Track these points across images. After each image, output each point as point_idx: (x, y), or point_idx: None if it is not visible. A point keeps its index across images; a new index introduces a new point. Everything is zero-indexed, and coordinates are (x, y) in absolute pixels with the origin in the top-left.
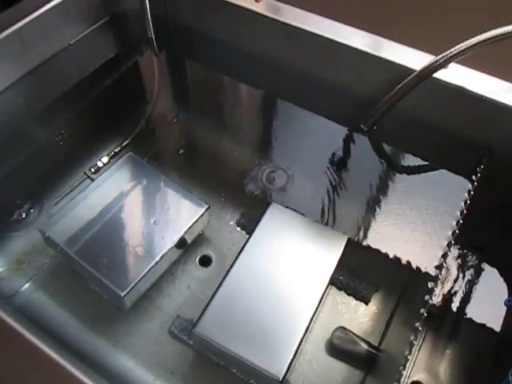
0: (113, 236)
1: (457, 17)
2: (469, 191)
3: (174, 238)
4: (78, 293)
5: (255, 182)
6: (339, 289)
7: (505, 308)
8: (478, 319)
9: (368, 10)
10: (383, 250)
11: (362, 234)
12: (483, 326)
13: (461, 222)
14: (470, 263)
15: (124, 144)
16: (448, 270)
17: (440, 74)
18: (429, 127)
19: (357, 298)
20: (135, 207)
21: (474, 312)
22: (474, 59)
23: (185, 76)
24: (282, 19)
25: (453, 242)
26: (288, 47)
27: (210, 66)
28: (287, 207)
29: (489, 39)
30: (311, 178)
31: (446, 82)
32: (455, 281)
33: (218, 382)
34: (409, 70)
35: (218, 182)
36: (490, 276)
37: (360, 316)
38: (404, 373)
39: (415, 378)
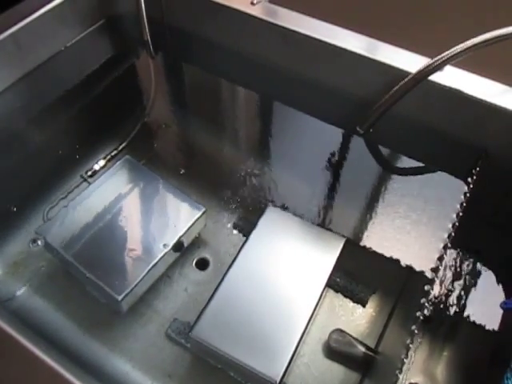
0: (110, 239)
1: (452, 20)
2: (465, 193)
3: (171, 241)
4: (75, 296)
5: (252, 184)
6: (336, 291)
7: (501, 310)
8: (474, 321)
9: (364, 13)
10: (380, 252)
11: (358, 236)
12: (480, 328)
13: (457, 224)
14: (467, 265)
15: (121, 147)
16: (444, 272)
17: (435, 77)
18: (425, 129)
19: (354, 301)
20: (132, 210)
21: (470, 314)
22: (470, 62)
23: (181, 79)
24: (278, 22)
25: (449, 244)
26: (284, 50)
27: (207, 69)
28: (284, 209)
29: (484, 42)
30: (308, 180)
31: (441, 85)
32: (452, 283)
33: None
34: (404, 73)
35: (215, 185)
36: (486, 278)
37: (357, 318)
38: (400, 376)
39: (412, 380)
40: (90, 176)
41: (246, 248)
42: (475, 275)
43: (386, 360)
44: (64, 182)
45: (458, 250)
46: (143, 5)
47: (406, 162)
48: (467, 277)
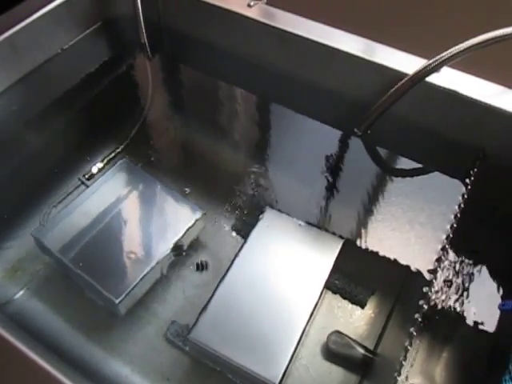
0: (107, 242)
1: (449, 21)
2: (463, 194)
3: (170, 244)
4: (73, 299)
5: (250, 186)
6: (335, 293)
7: (498, 308)
8: (472, 323)
9: (360, 14)
10: (378, 254)
11: (357, 237)
12: (478, 329)
13: (455, 225)
14: (465, 267)
15: (118, 150)
16: (442, 273)
17: (432, 78)
18: (422, 130)
19: (352, 302)
20: (130, 213)
21: (468, 315)
22: (467, 63)
23: (179, 81)
24: (275, 24)
25: (447, 246)
26: (281, 52)
27: (204, 71)
28: (282, 211)
29: (481, 43)
30: (306, 181)
31: (438, 86)
32: (450, 284)
33: None
34: (402, 74)
35: (213, 187)
36: (484, 279)
37: (356, 320)
38: (399, 378)
39: (411, 382)
40: (88, 179)
41: (244, 250)
42: (473, 276)
43: (385, 362)
44: (61, 184)
45: (456, 250)
46: (140, 7)
47: (403, 163)
48: (465, 278)
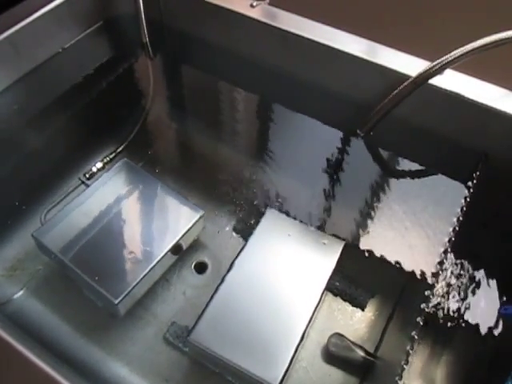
0: (107, 242)
1: (452, 23)
2: (465, 197)
3: (169, 244)
4: (72, 300)
5: (251, 187)
6: (335, 295)
7: (498, 315)
8: (473, 326)
9: (364, 16)
10: (379, 256)
11: (358, 239)
12: (479, 332)
13: (457, 228)
14: (466, 270)
15: (119, 150)
16: (444, 276)
17: (435, 81)
18: (425, 133)
19: (353, 304)
20: (130, 213)
21: (469, 319)
22: (470, 66)
23: (180, 80)
24: (277, 24)
25: (449, 249)
26: (283, 52)
27: (206, 71)
28: (283, 213)
29: (484, 46)
30: (308, 183)
31: (441, 89)
32: (451, 288)
33: None
34: (404, 76)
35: (214, 188)
36: (485, 283)
37: (356, 322)
38: (400, 382)
39: None
40: (88, 178)
41: (244, 251)
42: (474, 279)
43: (385, 365)
44: (61, 184)
45: (458, 254)
46: (142, 6)
47: (406, 166)
48: (466, 281)
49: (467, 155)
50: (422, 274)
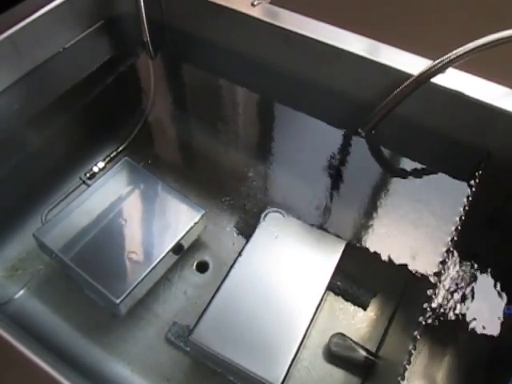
0: (108, 242)
1: (454, 22)
2: (467, 196)
3: (171, 244)
4: (73, 299)
5: (252, 186)
6: (337, 294)
7: (502, 315)
8: (475, 326)
9: (366, 14)
10: (381, 255)
11: (359, 239)
12: (481, 333)
13: (459, 228)
14: (468, 269)
15: (120, 149)
16: (446, 275)
17: (438, 79)
18: (427, 132)
19: (355, 304)
20: (131, 213)
21: (471, 319)
22: (472, 64)
23: (181, 80)
24: (279, 23)
25: (451, 248)
26: (284, 51)
27: (207, 70)
28: (285, 212)
29: (486, 44)
30: (309, 182)
31: (443, 87)
32: (453, 287)
33: None
34: (406, 75)
35: (215, 187)
36: (487, 282)
37: (358, 322)
38: (403, 383)
39: None
40: (89, 178)
41: (246, 251)
42: (477, 279)
43: (388, 365)
44: (62, 184)
45: (460, 253)
46: (143, 5)
47: (407, 164)
48: (469, 280)
49: (469, 154)
50: (425, 273)
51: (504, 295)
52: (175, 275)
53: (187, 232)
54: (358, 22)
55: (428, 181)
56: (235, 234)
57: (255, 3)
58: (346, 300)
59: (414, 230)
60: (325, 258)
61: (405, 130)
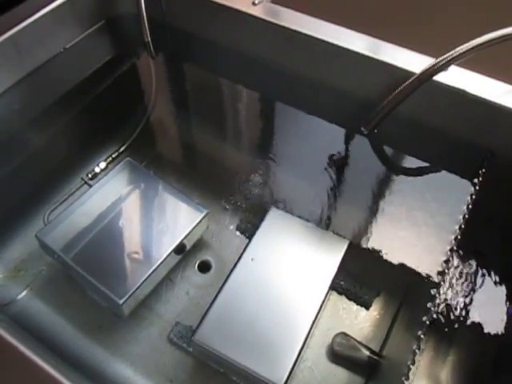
0: (110, 242)
1: (456, 19)
2: (471, 195)
3: (173, 244)
4: (76, 300)
5: (254, 185)
6: (340, 294)
7: (506, 313)
8: (479, 325)
9: (367, 12)
10: (384, 254)
11: (362, 238)
12: (484, 332)
13: (463, 226)
14: (472, 268)
15: (122, 149)
16: (449, 275)
17: (440, 77)
18: (430, 130)
19: (358, 303)
20: (133, 213)
21: (475, 318)
22: (475, 62)
23: (182, 79)
24: (280, 22)
25: (455, 247)
26: (286, 50)
27: (208, 70)
28: (287, 211)
29: (489, 41)
30: (311, 181)
31: (446, 85)
32: (457, 286)
33: None
34: (409, 73)
35: (218, 187)
36: (491, 282)
37: (361, 321)
38: (407, 383)
39: None
40: (91, 178)
41: (248, 250)
42: (480, 278)
43: (391, 364)
44: (64, 184)
45: (464, 252)
46: (144, 5)
47: (410, 163)
48: (472, 280)
49: (472, 152)
50: (428, 272)
51: (507, 294)
52: (178, 275)
53: (189, 232)
54: (360, 20)
55: (431, 179)
56: (237, 234)
57: (256, 2)
58: (349, 299)
59: (418, 228)
60: (328, 258)
61: (407, 129)
